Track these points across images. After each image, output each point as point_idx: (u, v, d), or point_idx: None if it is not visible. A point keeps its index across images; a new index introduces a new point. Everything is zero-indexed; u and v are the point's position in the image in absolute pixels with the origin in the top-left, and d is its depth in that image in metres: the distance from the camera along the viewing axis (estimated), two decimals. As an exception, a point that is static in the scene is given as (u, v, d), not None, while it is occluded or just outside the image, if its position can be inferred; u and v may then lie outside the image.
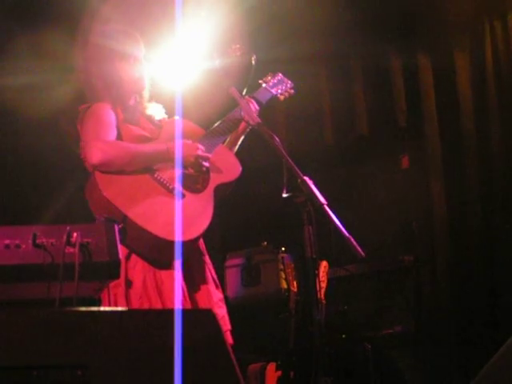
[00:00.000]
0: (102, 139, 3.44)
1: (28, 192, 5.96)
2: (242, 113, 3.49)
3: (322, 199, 3.02)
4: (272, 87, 4.05)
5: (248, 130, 3.83)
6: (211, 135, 3.67)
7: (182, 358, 2.28)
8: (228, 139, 3.85)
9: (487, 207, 5.81)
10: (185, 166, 3.52)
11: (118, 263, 2.66)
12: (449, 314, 5.84)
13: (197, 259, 3.56)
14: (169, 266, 3.39)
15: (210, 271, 3.60)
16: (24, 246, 2.59)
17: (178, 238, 3.33)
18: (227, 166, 3.65)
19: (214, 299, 3.52)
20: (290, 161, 3.15)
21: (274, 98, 4.07)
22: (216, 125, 3.72)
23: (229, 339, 3.46)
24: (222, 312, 3.53)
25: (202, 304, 3.46)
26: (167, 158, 3.47)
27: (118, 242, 2.70)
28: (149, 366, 2.24)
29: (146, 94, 3.81)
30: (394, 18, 6.04)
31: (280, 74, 4.14)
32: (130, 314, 2.57)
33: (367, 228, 6.04)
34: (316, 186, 3.05)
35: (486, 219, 5.80)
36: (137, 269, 3.36)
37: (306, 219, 3.02)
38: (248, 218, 6.16)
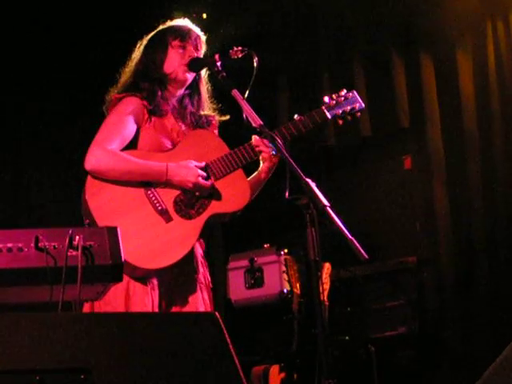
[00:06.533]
0: (104, 146, 3.38)
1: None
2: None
3: (324, 201, 3.00)
4: (332, 108, 3.62)
5: (273, 168, 3.57)
6: (228, 158, 3.50)
7: (186, 360, 2.27)
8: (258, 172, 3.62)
9: (490, 207, 5.80)
10: (182, 190, 3.43)
11: (120, 266, 2.65)
12: (452, 314, 5.83)
13: (186, 278, 3.47)
14: (145, 280, 3.35)
15: (201, 290, 3.50)
16: (26, 250, 2.58)
17: (146, 265, 3.30)
18: (234, 195, 3.49)
19: None
20: (293, 162, 3.14)
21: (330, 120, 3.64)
22: (238, 148, 3.53)
23: None
24: None
25: None
26: (164, 180, 3.39)
27: (121, 244, 2.69)
28: (152, 369, 2.24)
29: (194, 93, 3.68)
30: (396, 17, 6.04)
31: (355, 93, 3.69)
32: (133, 317, 2.57)
33: (370, 229, 6.05)
34: (318, 187, 3.04)
35: (489, 219, 5.80)
36: None
37: (309, 221, 3.01)
38: (251, 220, 6.15)
